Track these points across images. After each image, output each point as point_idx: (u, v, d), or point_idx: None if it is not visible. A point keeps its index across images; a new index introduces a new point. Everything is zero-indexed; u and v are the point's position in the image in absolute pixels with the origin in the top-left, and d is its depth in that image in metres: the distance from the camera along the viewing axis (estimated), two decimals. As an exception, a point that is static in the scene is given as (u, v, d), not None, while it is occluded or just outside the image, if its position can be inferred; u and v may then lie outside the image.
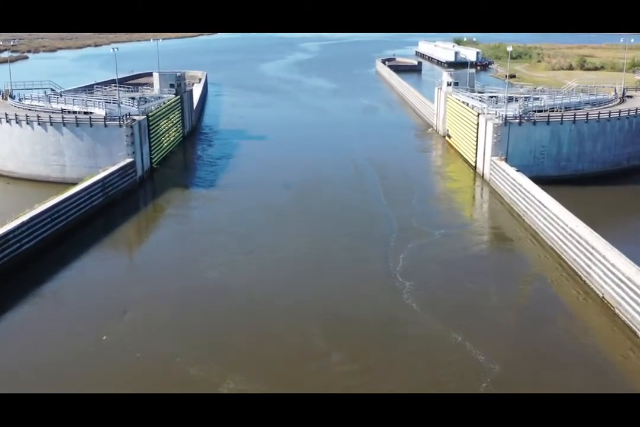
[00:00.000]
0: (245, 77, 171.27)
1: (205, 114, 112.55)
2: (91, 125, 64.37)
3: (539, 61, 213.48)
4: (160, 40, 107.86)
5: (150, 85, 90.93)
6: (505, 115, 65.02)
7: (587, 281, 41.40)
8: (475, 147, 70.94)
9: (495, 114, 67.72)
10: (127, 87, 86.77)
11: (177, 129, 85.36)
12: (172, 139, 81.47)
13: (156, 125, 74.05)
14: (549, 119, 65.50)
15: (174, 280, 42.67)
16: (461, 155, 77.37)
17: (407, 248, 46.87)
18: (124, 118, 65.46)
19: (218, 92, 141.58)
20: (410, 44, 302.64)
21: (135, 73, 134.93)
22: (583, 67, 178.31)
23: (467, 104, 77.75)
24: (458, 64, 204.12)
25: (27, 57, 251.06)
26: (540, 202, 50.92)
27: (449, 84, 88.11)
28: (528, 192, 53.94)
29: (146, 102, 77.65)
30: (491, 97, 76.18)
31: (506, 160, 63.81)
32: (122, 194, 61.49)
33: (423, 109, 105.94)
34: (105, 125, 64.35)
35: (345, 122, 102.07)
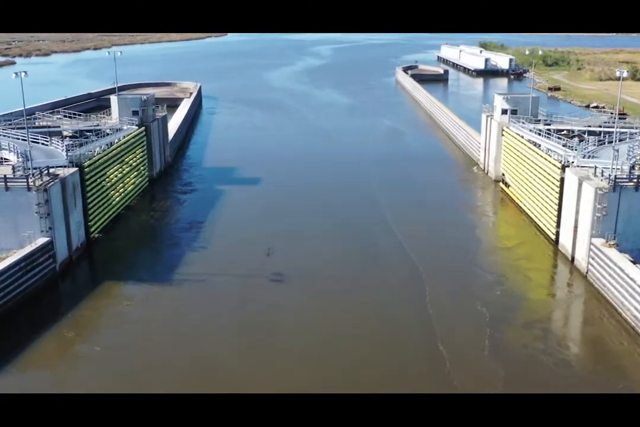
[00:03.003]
0: (247, 87, 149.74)
1: (191, 141, 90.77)
2: (-15, 187, 42.80)
3: (579, 69, 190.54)
4: (119, 53, 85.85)
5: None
6: (615, 176, 42.74)
7: None
8: (556, 214, 48.85)
9: (594, 171, 45.41)
10: (74, 115, 65.32)
11: (140, 173, 63.36)
12: (129, 189, 59.42)
13: (100, 177, 52.30)
14: (679, 180, 43.15)
15: None
16: (529, 217, 55.10)
17: None
18: (38, 175, 43.77)
19: (213, 109, 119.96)
20: (429, 47, 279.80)
21: (118, 85, 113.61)
22: (635, 77, 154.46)
23: (538, 145, 55.70)
24: (489, 73, 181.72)
25: (14, 63, 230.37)
26: None
27: (504, 112, 66.12)
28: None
29: (103, 136, 56.67)
30: (575, 136, 53.73)
31: (617, 245, 41.59)
32: (32, 292, 40.01)
33: (463, 139, 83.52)
34: (7, 189, 42.66)
35: (364, 155, 79.72)
